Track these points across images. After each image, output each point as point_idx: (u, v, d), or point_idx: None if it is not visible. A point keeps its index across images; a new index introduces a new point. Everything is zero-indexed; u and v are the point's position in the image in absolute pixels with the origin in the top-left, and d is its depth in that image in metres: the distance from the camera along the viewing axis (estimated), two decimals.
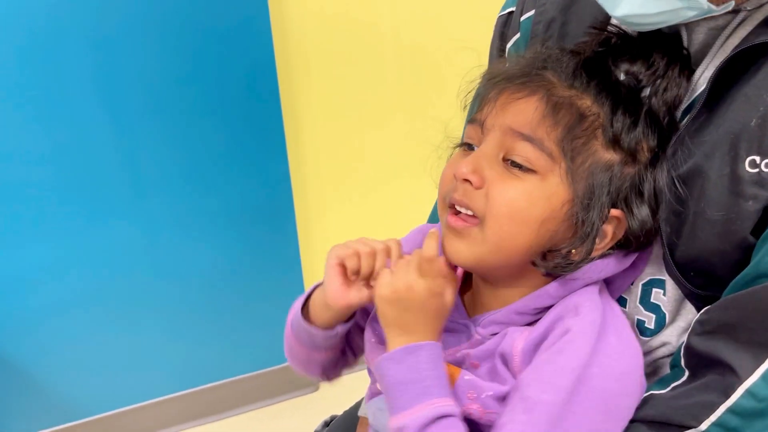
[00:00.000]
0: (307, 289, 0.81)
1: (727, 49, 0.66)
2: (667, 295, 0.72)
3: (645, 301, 0.73)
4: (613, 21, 0.75)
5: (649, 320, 0.74)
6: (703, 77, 0.68)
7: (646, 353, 0.74)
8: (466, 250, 0.66)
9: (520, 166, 0.64)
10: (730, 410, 0.60)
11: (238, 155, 1.79)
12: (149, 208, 1.75)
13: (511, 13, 0.87)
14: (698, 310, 0.68)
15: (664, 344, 0.73)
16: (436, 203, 0.92)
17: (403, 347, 0.66)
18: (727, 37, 0.67)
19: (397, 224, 1.83)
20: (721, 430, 0.61)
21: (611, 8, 0.65)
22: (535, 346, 0.65)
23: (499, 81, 0.68)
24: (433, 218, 0.94)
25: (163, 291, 1.83)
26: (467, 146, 0.70)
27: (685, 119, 0.67)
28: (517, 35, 0.85)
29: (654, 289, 0.72)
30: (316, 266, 2.04)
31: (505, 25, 0.87)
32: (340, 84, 1.89)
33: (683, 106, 0.70)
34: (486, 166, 0.65)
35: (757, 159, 0.62)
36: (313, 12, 1.80)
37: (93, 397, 1.85)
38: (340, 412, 1.01)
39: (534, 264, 0.67)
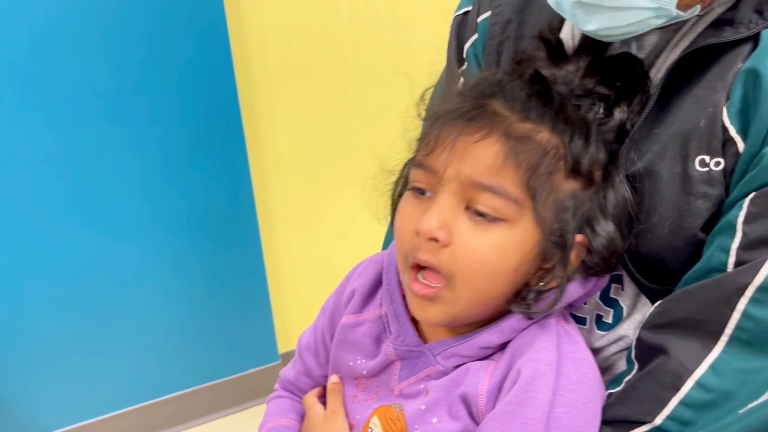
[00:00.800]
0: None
1: (678, 51, 0.68)
2: (625, 290, 0.73)
3: (604, 296, 0.74)
4: (567, 24, 0.76)
5: (607, 314, 0.75)
6: (656, 78, 0.69)
7: (603, 347, 0.76)
8: (441, 313, 0.64)
9: (485, 215, 0.61)
10: (682, 403, 0.61)
11: (198, 160, 1.77)
12: (109, 216, 1.72)
13: (466, 12, 0.87)
14: (653, 304, 0.69)
15: (621, 338, 0.74)
16: (387, 231, 0.92)
17: None
18: (680, 40, 0.69)
19: (361, 226, 1.84)
20: (674, 423, 0.62)
21: (582, 24, 0.66)
22: (500, 385, 0.64)
23: (449, 120, 0.63)
24: (388, 242, 0.93)
25: (125, 299, 1.80)
26: (418, 191, 0.65)
27: (638, 120, 0.68)
28: (475, 36, 0.85)
29: (613, 285, 0.74)
30: (280, 270, 2.03)
31: (461, 26, 0.87)
32: (300, 83, 1.89)
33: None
34: (450, 219, 0.61)
35: (707, 158, 0.64)
36: (271, 14, 1.80)
37: (57, 410, 1.81)
38: None
39: (510, 307, 0.65)
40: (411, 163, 0.69)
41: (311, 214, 2.02)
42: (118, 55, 1.62)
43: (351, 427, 0.75)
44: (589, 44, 0.70)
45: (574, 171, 0.63)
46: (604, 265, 0.66)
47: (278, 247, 2.01)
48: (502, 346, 0.67)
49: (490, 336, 0.66)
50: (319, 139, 1.96)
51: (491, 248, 0.61)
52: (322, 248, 2.06)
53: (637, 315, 0.73)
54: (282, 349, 2.09)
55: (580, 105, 0.67)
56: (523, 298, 0.64)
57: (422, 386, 0.69)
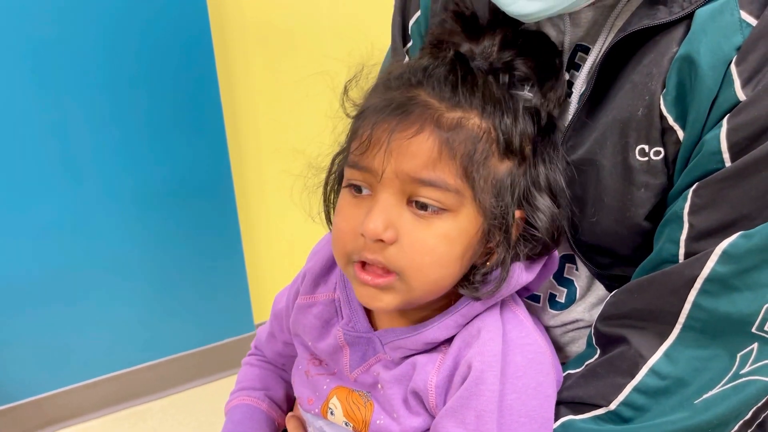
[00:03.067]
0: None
1: (615, 30, 0.66)
2: (579, 271, 0.73)
3: (558, 275, 0.74)
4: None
5: (561, 294, 0.75)
6: (595, 62, 0.68)
7: (556, 326, 0.76)
8: (394, 300, 0.63)
9: (428, 206, 0.60)
10: (636, 389, 0.62)
11: (173, 127, 1.75)
12: (84, 184, 1.70)
13: None
14: (607, 288, 0.70)
15: (575, 320, 0.75)
16: None
17: None
18: (616, 17, 0.67)
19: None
20: (628, 408, 0.62)
21: (518, 8, 0.63)
22: (449, 379, 0.64)
23: (379, 116, 0.62)
24: None
25: (100, 268, 1.79)
26: (355, 188, 0.64)
27: (579, 104, 0.67)
28: (418, 13, 0.83)
29: (567, 264, 0.74)
30: (256, 240, 2.03)
31: (405, 1, 0.85)
32: (277, 54, 1.86)
33: (579, 91, 0.69)
34: (394, 216, 0.60)
35: (646, 148, 0.63)
36: None
37: (28, 378, 1.81)
38: None
39: (459, 291, 0.65)
40: (344, 162, 0.68)
41: (286, 181, 2.00)
42: (91, 23, 1.58)
43: (309, 402, 0.75)
44: (502, 18, 0.68)
45: (507, 150, 0.62)
46: (548, 241, 0.65)
47: (254, 216, 2.00)
48: (449, 340, 0.66)
49: (435, 332, 0.65)
50: (299, 109, 1.94)
51: (438, 239, 0.60)
52: (298, 218, 2.05)
53: (590, 297, 0.73)
54: (258, 319, 2.09)
55: (502, 79, 0.66)
56: (470, 281, 0.64)
57: (375, 373, 0.70)
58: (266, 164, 1.96)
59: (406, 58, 0.85)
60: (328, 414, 0.73)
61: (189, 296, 1.94)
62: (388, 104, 0.61)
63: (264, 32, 1.83)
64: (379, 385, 0.69)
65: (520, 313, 0.67)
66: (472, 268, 0.65)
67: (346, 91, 0.69)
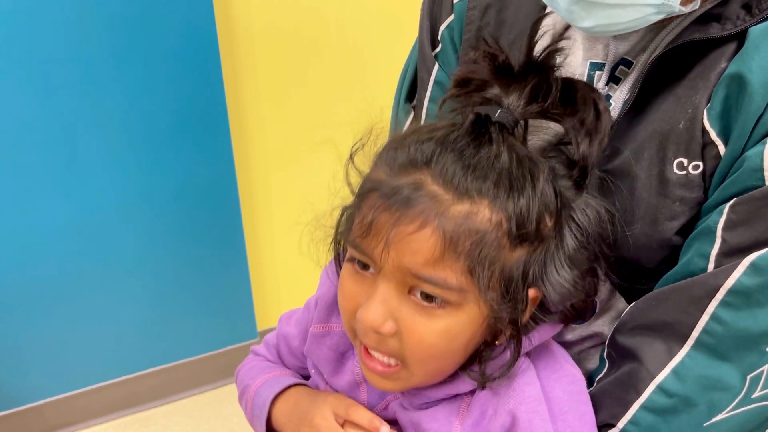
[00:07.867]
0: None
1: (663, 45, 0.66)
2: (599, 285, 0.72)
3: None
4: (549, 9, 0.73)
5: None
6: (643, 71, 0.67)
7: (575, 341, 0.75)
8: (396, 386, 0.62)
9: (432, 298, 0.56)
10: (644, 407, 0.61)
11: (179, 133, 1.75)
12: (89, 189, 1.70)
13: None
14: (628, 302, 0.69)
15: (595, 334, 0.74)
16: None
17: None
18: (667, 34, 0.67)
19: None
20: (637, 428, 0.61)
21: (578, 21, 0.62)
22: (477, 428, 0.62)
23: (381, 202, 0.56)
24: None
25: (103, 274, 1.79)
26: (358, 263, 0.60)
27: (619, 114, 0.67)
28: (451, 17, 0.81)
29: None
30: (260, 247, 2.03)
31: (434, 3, 0.83)
32: (283, 57, 1.86)
33: (619, 103, 0.69)
34: (394, 307, 0.57)
35: (685, 161, 0.62)
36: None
37: (32, 384, 1.81)
38: None
39: (462, 374, 0.62)
40: (346, 233, 0.63)
41: (292, 187, 2.00)
42: (100, 26, 1.58)
43: None
44: (537, 63, 0.62)
45: (521, 238, 0.56)
46: (573, 311, 0.63)
47: (259, 223, 2.00)
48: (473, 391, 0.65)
49: (454, 387, 0.64)
50: (303, 109, 1.94)
51: (439, 336, 0.57)
52: (302, 226, 2.05)
53: (611, 312, 0.73)
54: (261, 326, 2.09)
55: (525, 137, 0.61)
56: (478, 362, 0.62)
57: (393, 412, 0.68)
58: (271, 171, 1.96)
59: (436, 66, 0.83)
60: None
61: (193, 303, 1.94)
62: (393, 191, 0.56)
63: (270, 37, 1.83)
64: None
65: (553, 348, 0.66)
66: (484, 346, 0.62)
67: (351, 158, 0.65)
